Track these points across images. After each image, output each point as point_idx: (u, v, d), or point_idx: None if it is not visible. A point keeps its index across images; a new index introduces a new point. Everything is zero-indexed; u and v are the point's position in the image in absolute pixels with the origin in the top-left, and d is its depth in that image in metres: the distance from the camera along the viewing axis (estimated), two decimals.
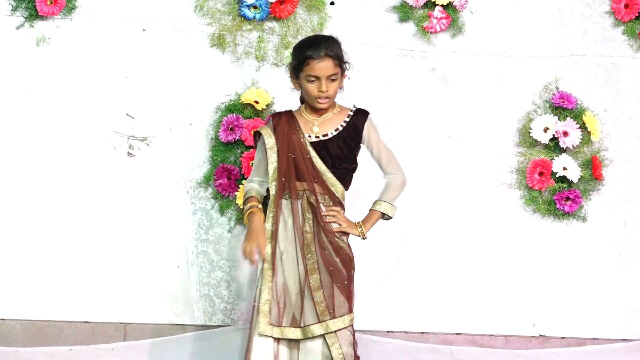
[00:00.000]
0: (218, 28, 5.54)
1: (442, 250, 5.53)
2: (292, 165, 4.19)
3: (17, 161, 5.48)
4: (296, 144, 4.20)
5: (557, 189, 5.45)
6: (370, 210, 4.30)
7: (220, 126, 5.44)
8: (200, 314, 5.52)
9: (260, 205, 4.25)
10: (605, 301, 5.53)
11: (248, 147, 5.41)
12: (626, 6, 5.54)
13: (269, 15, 5.49)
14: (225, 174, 5.43)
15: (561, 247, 5.54)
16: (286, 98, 5.49)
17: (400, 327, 5.51)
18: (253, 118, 5.43)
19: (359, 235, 4.25)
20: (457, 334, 5.54)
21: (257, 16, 5.49)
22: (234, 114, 5.43)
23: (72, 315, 5.48)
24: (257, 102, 5.43)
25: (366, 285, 5.39)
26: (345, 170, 4.24)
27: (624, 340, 5.50)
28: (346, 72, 4.23)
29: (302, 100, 4.31)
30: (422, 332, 5.52)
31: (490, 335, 5.54)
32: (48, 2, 5.40)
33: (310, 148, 4.19)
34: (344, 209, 4.26)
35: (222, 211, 5.51)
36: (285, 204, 4.22)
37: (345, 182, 4.26)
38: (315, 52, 4.11)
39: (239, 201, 5.41)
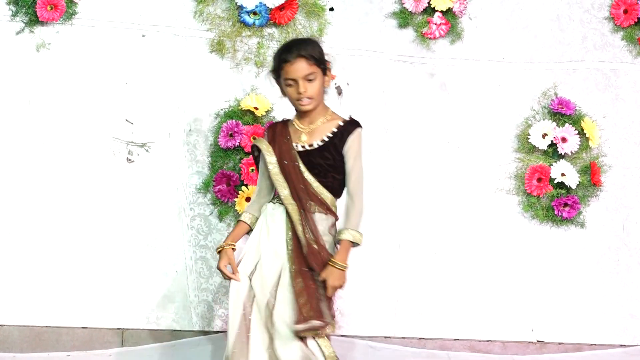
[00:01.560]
0: (217, 34, 5.55)
1: (441, 256, 5.53)
2: (284, 172, 4.18)
3: (16, 167, 5.48)
4: (285, 152, 4.18)
5: (555, 195, 5.44)
6: (341, 241, 4.15)
7: (219, 132, 5.44)
8: (198, 319, 5.52)
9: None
10: (603, 307, 5.52)
11: (247, 154, 5.42)
12: (625, 12, 5.53)
13: (269, 21, 5.50)
14: (224, 180, 5.43)
15: (559, 253, 5.53)
16: (285, 104, 5.49)
17: (398, 332, 5.49)
18: (252, 124, 5.44)
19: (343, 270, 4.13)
20: (455, 339, 5.53)
21: (257, 22, 5.49)
22: (234, 120, 5.43)
23: (70, 320, 5.47)
24: (256, 108, 5.43)
25: (364, 291, 5.39)
26: (333, 179, 4.19)
27: (622, 345, 5.48)
28: (333, 73, 4.22)
29: None
30: (420, 338, 5.51)
31: (487, 340, 5.53)
32: (48, 8, 5.41)
33: (297, 157, 4.17)
34: (336, 218, 4.22)
35: (220, 217, 5.51)
36: (270, 207, 4.22)
37: (335, 190, 4.21)
38: (287, 54, 4.11)
39: (238, 207, 5.41)
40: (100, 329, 5.49)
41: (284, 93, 4.21)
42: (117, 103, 5.53)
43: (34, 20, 5.46)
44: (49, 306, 5.46)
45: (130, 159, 5.55)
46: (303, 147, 4.19)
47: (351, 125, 4.20)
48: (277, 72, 4.16)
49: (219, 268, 4.18)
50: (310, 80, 4.12)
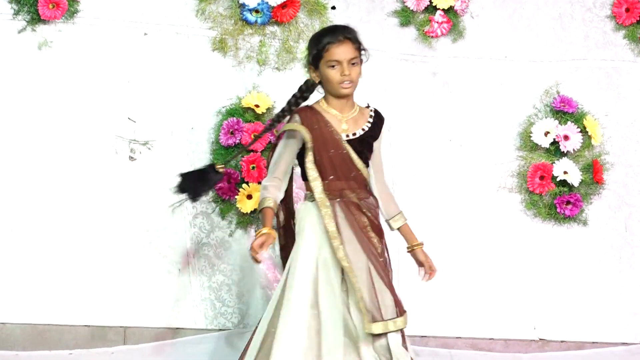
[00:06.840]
0: (220, 32, 5.55)
1: (443, 254, 5.48)
2: (332, 162, 4.13)
3: (18, 165, 5.49)
4: (330, 141, 4.12)
5: (557, 193, 5.45)
6: (404, 226, 4.43)
7: (220, 130, 5.44)
8: (201, 317, 5.52)
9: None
10: (605, 305, 5.52)
11: (248, 151, 5.41)
12: (627, 10, 5.54)
13: (271, 19, 5.50)
14: (225, 178, 5.43)
15: (562, 250, 5.53)
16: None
17: None
18: (253, 122, 5.44)
19: None
20: (457, 337, 5.53)
21: (259, 20, 5.49)
22: (235, 118, 5.43)
23: (72, 319, 5.48)
24: (257, 106, 5.43)
25: None
26: (368, 166, 4.24)
27: (624, 343, 5.49)
28: (364, 58, 4.17)
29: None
30: (422, 336, 5.51)
31: (490, 339, 5.54)
32: (50, 6, 5.41)
33: (346, 145, 4.14)
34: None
35: (222, 215, 5.52)
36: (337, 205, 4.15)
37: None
38: (334, 36, 4.07)
39: (240, 205, 5.40)
40: (102, 327, 5.50)
41: (318, 77, 4.13)
42: (120, 101, 5.54)
43: (36, 19, 5.46)
44: (52, 304, 5.47)
45: (132, 157, 5.55)
46: (347, 135, 4.15)
47: (379, 119, 4.25)
48: (320, 53, 4.08)
49: (254, 248, 3.97)
50: (353, 64, 4.10)
